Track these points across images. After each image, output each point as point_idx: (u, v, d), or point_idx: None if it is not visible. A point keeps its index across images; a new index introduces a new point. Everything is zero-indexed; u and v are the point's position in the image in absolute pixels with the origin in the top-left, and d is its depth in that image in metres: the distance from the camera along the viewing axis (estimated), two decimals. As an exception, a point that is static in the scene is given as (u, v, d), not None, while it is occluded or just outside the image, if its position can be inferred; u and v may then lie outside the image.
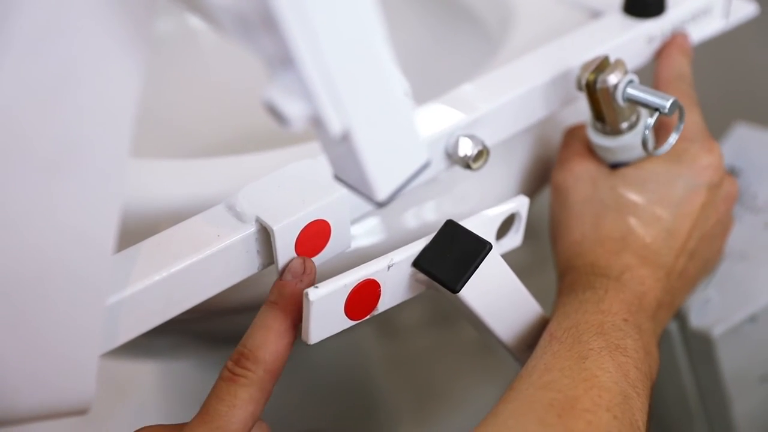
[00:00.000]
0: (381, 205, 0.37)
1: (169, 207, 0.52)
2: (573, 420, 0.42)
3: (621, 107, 0.53)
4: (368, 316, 0.47)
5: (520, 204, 0.51)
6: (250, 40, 0.32)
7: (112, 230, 0.37)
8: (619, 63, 0.52)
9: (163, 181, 0.53)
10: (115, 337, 0.42)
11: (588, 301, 0.49)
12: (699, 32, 0.60)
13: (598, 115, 0.53)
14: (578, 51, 0.56)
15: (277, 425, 0.49)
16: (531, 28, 0.64)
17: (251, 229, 0.45)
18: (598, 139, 0.54)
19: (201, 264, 0.43)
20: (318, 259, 0.47)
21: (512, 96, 0.53)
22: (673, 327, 0.63)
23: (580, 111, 0.59)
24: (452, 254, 0.46)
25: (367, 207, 0.49)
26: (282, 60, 0.32)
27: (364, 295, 0.46)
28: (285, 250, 0.45)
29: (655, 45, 0.59)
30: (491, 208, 0.50)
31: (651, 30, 0.58)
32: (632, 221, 0.53)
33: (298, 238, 0.45)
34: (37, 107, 0.33)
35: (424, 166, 0.38)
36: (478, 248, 0.46)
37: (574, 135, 0.58)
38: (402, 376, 0.93)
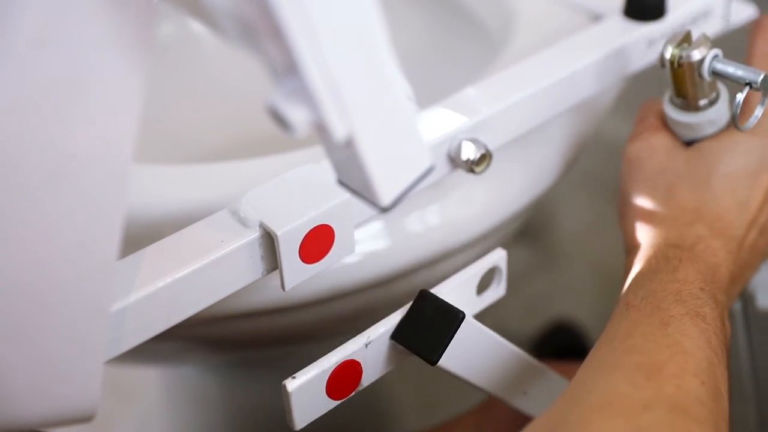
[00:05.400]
0: (385, 210, 0.37)
1: (172, 212, 0.52)
2: (662, 384, 0.41)
3: (703, 83, 0.53)
4: (353, 393, 0.48)
5: (498, 258, 0.51)
6: (253, 47, 0.32)
7: (116, 238, 0.37)
8: (703, 38, 0.52)
9: (166, 187, 0.54)
10: (119, 343, 0.42)
11: (662, 271, 0.49)
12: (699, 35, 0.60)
13: (679, 91, 0.54)
14: (579, 54, 0.56)
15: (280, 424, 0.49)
16: (532, 31, 0.64)
17: (255, 234, 0.45)
18: (676, 114, 0.55)
19: (205, 270, 0.43)
20: (322, 265, 0.47)
21: (515, 99, 0.53)
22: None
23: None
24: (428, 325, 0.47)
25: (370, 211, 0.49)
26: (285, 66, 0.32)
27: (345, 375, 0.46)
28: (289, 256, 0.45)
29: (656, 48, 0.59)
30: (469, 266, 0.50)
31: (651, 33, 0.58)
32: (706, 193, 0.53)
33: (301, 243, 0.45)
34: (38, 115, 0.33)
35: (428, 171, 0.38)
36: (451, 319, 0.47)
37: (649, 109, 0.58)
38: (404, 376, 0.93)
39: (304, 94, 0.32)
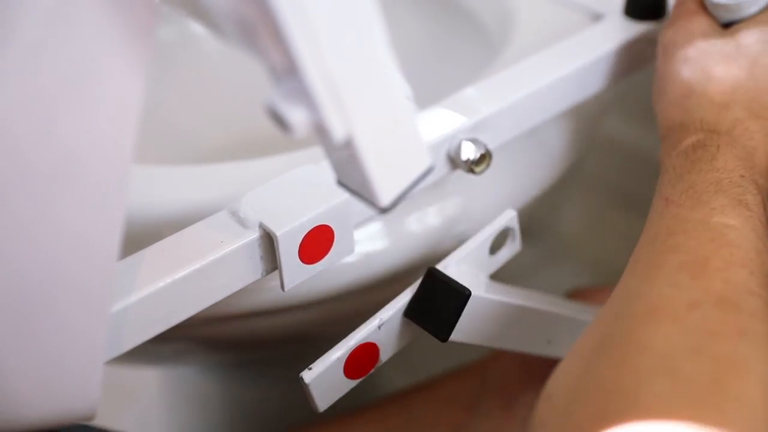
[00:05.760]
0: (384, 210, 0.37)
1: (172, 213, 0.52)
2: (707, 280, 0.39)
3: None
4: (372, 370, 0.48)
5: (509, 219, 0.51)
6: (252, 47, 0.32)
7: (117, 238, 0.37)
8: None
9: (166, 187, 0.54)
10: (119, 344, 0.42)
11: (700, 160, 0.47)
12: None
13: None
14: (579, 54, 0.56)
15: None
16: (532, 31, 0.64)
17: (254, 235, 0.45)
18: None
19: (205, 270, 0.43)
20: (321, 265, 0.47)
21: (514, 99, 0.53)
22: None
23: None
24: (436, 303, 0.47)
25: (370, 212, 0.49)
26: (284, 66, 0.32)
27: (362, 356, 0.47)
28: (288, 256, 0.45)
29: (656, 47, 0.59)
30: (479, 233, 0.50)
31: (652, 32, 0.58)
32: (742, 74, 0.51)
33: (301, 243, 0.45)
34: (39, 116, 0.33)
35: (428, 171, 0.38)
36: (458, 297, 0.47)
37: None
38: (407, 379, 0.93)
39: (303, 95, 0.32)
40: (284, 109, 0.32)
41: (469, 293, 0.47)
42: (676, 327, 0.37)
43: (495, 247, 0.52)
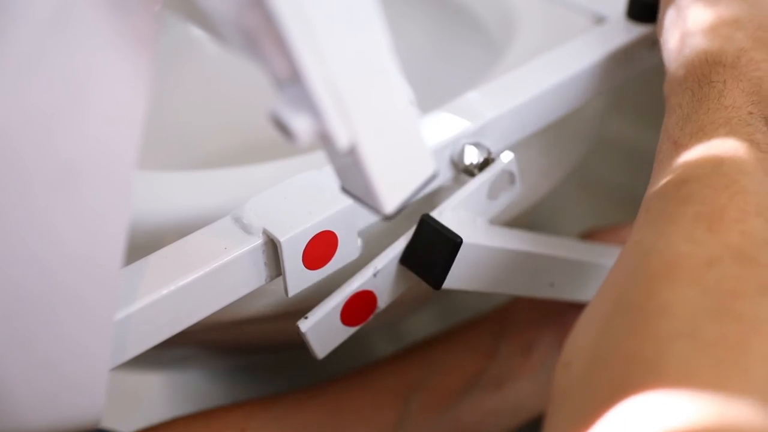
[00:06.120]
0: (388, 217, 0.37)
1: (175, 219, 0.52)
2: (725, 233, 0.38)
3: None
4: (371, 317, 0.48)
5: (507, 162, 0.50)
6: (255, 55, 0.32)
7: (120, 247, 0.37)
8: None
9: (169, 193, 0.53)
10: (123, 351, 0.42)
11: (708, 98, 0.46)
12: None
13: None
14: (582, 56, 0.56)
15: None
16: (534, 34, 0.64)
17: (258, 241, 0.45)
18: None
19: (208, 277, 0.43)
20: (325, 271, 0.47)
21: (517, 103, 0.53)
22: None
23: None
24: (430, 251, 0.47)
25: (374, 217, 0.48)
26: (288, 74, 0.32)
27: (359, 304, 0.47)
28: (292, 262, 0.45)
29: (658, 49, 0.59)
30: (478, 175, 0.50)
31: (654, 34, 0.58)
32: (745, 4, 0.49)
33: (305, 249, 0.45)
34: (42, 123, 0.33)
35: (432, 177, 0.38)
36: (449, 244, 0.47)
37: None
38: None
39: (307, 102, 0.32)
40: (288, 116, 0.32)
41: (461, 241, 0.46)
42: (696, 287, 0.36)
43: (493, 193, 0.51)
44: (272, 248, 0.45)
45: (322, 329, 0.47)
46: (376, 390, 0.60)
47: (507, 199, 0.52)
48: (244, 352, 0.66)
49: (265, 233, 0.45)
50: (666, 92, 0.49)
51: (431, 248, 0.47)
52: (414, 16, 0.81)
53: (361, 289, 0.47)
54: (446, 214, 0.48)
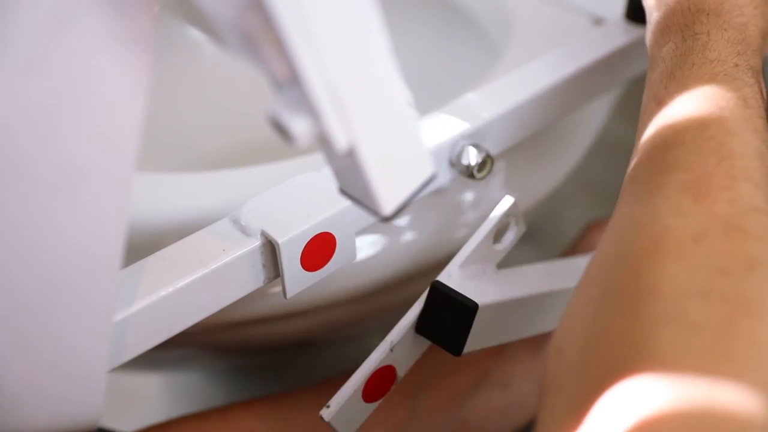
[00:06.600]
0: (387, 219, 0.37)
1: (173, 221, 0.52)
2: (712, 202, 0.37)
3: None
4: (392, 388, 0.48)
5: (509, 207, 0.49)
6: (254, 57, 0.32)
7: (119, 247, 0.37)
8: None
9: (168, 195, 0.53)
10: (122, 353, 0.42)
11: (692, 51, 0.44)
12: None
13: None
14: (580, 57, 0.56)
15: None
16: (533, 35, 0.64)
17: (256, 243, 0.45)
18: None
19: (207, 279, 0.43)
20: (323, 272, 0.47)
21: (516, 104, 0.53)
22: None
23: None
24: (445, 317, 0.46)
25: (371, 219, 0.48)
26: (287, 76, 0.32)
27: (379, 380, 0.46)
28: (290, 264, 0.45)
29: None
30: (481, 226, 0.49)
31: (653, 36, 0.58)
32: None
33: (303, 251, 0.45)
34: (42, 125, 0.33)
35: (431, 179, 0.38)
36: (465, 311, 0.46)
37: None
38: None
39: (306, 104, 0.32)
40: (286, 118, 0.32)
41: (476, 307, 0.46)
42: (682, 264, 0.35)
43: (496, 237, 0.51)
44: (270, 250, 0.45)
45: (346, 413, 0.46)
46: None
47: (512, 239, 0.51)
48: (243, 352, 0.66)
49: (264, 235, 0.44)
50: (648, 44, 0.48)
51: (446, 315, 0.46)
52: (413, 18, 0.81)
53: (379, 366, 0.46)
54: (455, 275, 0.47)
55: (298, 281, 0.46)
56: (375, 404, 0.47)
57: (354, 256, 0.48)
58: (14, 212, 0.34)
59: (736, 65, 0.43)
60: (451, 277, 0.47)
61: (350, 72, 0.32)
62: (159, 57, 0.37)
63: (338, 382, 0.59)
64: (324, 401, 0.56)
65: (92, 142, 0.34)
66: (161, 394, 0.85)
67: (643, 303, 0.34)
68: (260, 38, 0.31)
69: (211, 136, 0.82)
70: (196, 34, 0.81)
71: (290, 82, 0.32)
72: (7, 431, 0.38)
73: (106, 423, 0.46)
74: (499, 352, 0.63)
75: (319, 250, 0.46)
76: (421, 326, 0.47)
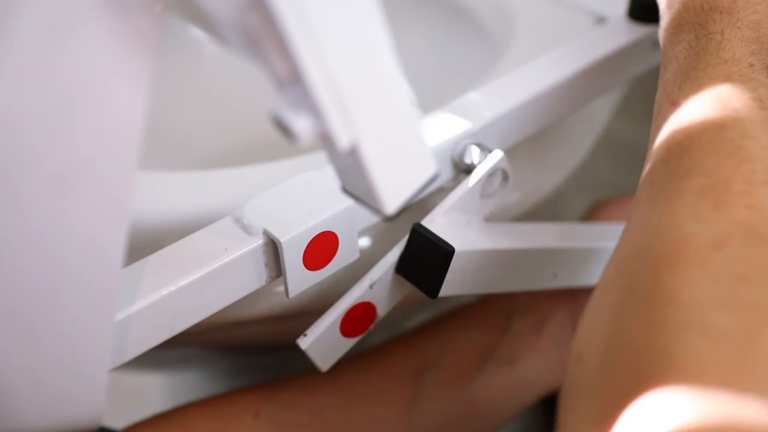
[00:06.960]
0: (389, 218, 0.37)
1: (175, 220, 0.52)
2: (731, 208, 0.36)
3: None
4: (372, 326, 0.48)
5: (498, 161, 0.49)
6: (256, 56, 0.32)
7: (122, 245, 0.37)
8: None
9: (170, 194, 0.53)
10: (124, 352, 0.42)
11: (705, 51, 0.43)
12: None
13: None
14: (583, 56, 0.56)
15: None
16: (535, 34, 0.64)
17: (259, 241, 0.44)
18: None
19: (209, 278, 0.43)
20: (326, 271, 0.47)
21: (518, 103, 0.53)
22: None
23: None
24: (423, 259, 0.47)
25: (374, 218, 0.48)
26: (289, 75, 0.32)
27: (358, 315, 0.47)
28: (293, 263, 0.45)
29: (660, 50, 0.59)
30: (471, 175, 0.49)
31: (655, 34, 0.58)
32: None
33: (305, 250, 0.45)
34: (43, 123, 0.33)
35: (433, 178, 0.38)
36: (441, 254, 0.46)
37: None
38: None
39: (308, 103, 0.32)
40: (288, 117, 0.32)
41: (452, 250, 0.46)
42: (703, 272, 0.34)
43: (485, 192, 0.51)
44: (273, 249, 0.45)
45: (323, 344, 0.47)
46: (390, 369, 0.60)
47: (502, 196, 0.51)
48: (245, 352, 0.66)
49: (266, 234, 0.44)
50: (662, 41, 0.47)
51: (424, 258, 0.47)
52: (415, 17, 0.81)
53: (358, 302, 0.47)
54: (438, 221, 0.48)
55: (300, 280, 0.46)
56: (353, 340, 0.48)
57: (356, 255, 0.48)
58: (18, 207, 0.34)
59: (751, 65, 0.42)
60: (434, 222, 0.48)
61: (352, 70, 0.32)
62: (161, 56, 0.37)
63: (346, 366, 0.59)
64: (331, 383, 0.56)
65: (96, 139, 0.34)
66: (163, 394, 0.85)
67: (664, 311, 0.34)
68: (262, 37, 0.31)
69: (213, 135, 0.82)
70: (198, 32, 0.81)
71: (292, 81, 0.32)
72: (8, 430, 0.38)
73: (107, 422, 0.46)
74: (503, 330, 0.63)
75: (321, 249, 0.46)
76: (402, 267, 0.48)
